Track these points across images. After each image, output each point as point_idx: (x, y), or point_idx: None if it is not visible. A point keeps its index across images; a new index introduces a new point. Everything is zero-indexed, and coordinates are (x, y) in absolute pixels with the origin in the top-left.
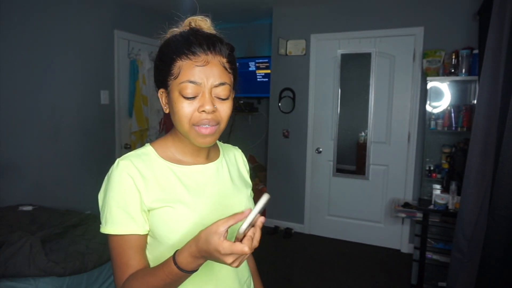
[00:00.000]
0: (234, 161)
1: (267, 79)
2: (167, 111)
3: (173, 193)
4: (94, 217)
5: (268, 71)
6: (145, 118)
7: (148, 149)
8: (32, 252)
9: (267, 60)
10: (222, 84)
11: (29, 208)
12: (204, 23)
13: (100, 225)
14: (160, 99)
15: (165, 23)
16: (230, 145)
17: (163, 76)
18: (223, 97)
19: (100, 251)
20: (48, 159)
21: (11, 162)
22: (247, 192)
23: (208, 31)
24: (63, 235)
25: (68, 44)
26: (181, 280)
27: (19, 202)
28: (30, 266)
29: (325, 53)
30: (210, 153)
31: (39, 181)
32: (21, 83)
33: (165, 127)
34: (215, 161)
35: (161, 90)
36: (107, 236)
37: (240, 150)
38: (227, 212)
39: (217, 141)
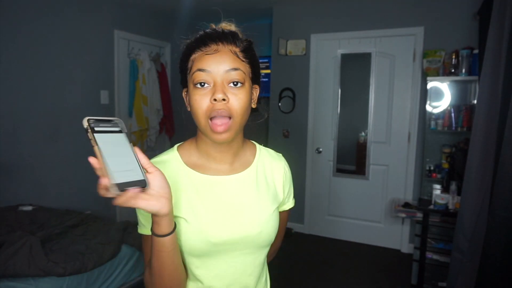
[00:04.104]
0: (270, 171)
1: (267, 79)
2: (189, 109)
3: (186, 204)
4: (94, 217)
5: (268, 71)
6: (145, 118)
7: (172, 155)
8: (32, 252)
9: (267, 60)
10: (234, 69)
11: (29, 208)
12: (229, 27)
13: None
14: (185, 100)
15: (165, 23)
16: (273, 152)
17: (183, 75)
18: (236, 82)
19: (100, 251)
20: (48, 159)
21: (11, 162)
22: (271, 208)
23: (228, 29)
24: (63, 235)
25: (68, 44)
26: (158, 247)
27: (19, 202)
28: (30, 266)
29: (325, 53)
30: (240, 158)
31: (39, 181)
32: (21, 83)
33: (165, 127)
34: (241, 172)
35: (184, 89)
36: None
37: (283, 160)
38: (238, 229)
39: (257, 145)
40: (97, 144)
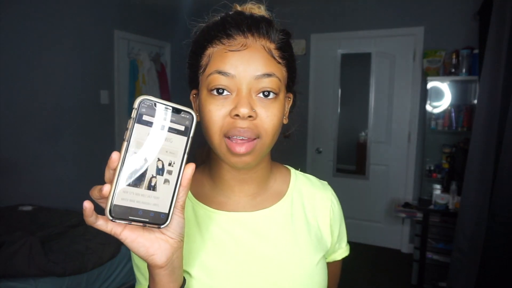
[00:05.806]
0: (311, 205)
1: None
2: (198, 119)
3: (190, 252)
4: None
5: None
6: None
7: None
8: (32, 252)
9: None
10: (267, 75)
11: (29, 208)
12: (257, 11)
13: None
14: (193, 104)
15: (165, 23)
16: (315, 179)
17: (193, 72)
18: (268, 91)
19: (100, 251)
20: (48, 159)
21: (11, 162)
22: (315, 257)
23: (257, 14)
24: (63, 235)
25: (68, 44)
26: None
27: (19, 202)
28: (30, 266)
29: (325, 53)
30: (268, 189)
31: (39, 181)
32: (21, 83)
33: None
34: (270, 207)
35: (194, 91)
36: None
37: (330, 190)
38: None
39: (292, 170)
40: (128, 141)
